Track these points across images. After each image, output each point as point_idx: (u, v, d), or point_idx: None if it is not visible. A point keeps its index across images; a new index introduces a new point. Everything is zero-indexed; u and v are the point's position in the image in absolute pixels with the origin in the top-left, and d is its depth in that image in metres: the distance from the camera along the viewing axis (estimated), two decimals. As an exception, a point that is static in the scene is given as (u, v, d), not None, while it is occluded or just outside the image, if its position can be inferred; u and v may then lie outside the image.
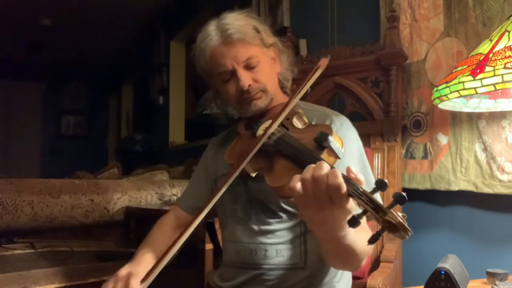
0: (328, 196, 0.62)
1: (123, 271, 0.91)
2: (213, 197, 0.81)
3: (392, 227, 0.58)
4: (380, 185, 0.59)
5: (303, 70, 1.66)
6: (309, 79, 0.87)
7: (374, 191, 0.60)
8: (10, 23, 4.59)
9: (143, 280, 0.85)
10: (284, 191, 0.74)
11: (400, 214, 0.58)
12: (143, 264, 0.95)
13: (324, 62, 0.87)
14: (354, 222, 0.60)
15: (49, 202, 1.87)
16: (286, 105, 0.86)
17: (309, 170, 0.64)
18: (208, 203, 0.80)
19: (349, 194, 0.61)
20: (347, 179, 0.62)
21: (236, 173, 0.82)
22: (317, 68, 0.87)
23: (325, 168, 0.63)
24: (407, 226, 0.57)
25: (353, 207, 0.63)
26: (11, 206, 1.76)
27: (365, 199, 0.60)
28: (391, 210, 0.58)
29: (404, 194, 0.57)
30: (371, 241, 0.59)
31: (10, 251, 1.64)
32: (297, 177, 0.65)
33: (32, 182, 1.91)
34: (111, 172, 3.03)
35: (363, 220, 0.90)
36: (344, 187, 0.61)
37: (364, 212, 0.60)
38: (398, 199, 0.57)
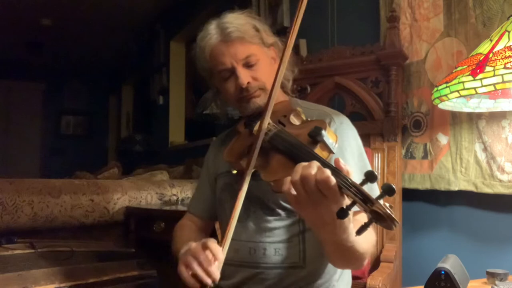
0: (320, 192, 0.63)
1: (192, 244, 0.84)
2: (236, 204, 0.82)
3: (380, 218, 0.59)
4: (370, 177, 0.60)
5: (303, 70, 1.67)
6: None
7: (363, 182, 0.61)
8: (10, 23, 4.59)
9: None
10: (279, 185, 0.75)
11: (388, 205, 0.59)
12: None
13: None
14: (342, 213, 0.61)
15: (49, 202, 1.87)
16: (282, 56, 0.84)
17: (298, 170, 0.66)
18: (233, 210, 0.82)
19: (339, 186, 0.62)
20: (337, 171, 0.64)
21: (249, 174, 0.83)
22: None
23: (313, 166, 0.64)
24: (393, 217, 0.58)
25: (348, 202, 0.64)
26: (11, 206, 1.76)
27: (354, 190, 0.61)
28: (379, 201, 0.59)
29: (393, 185, 0.58)
30: (359, 232, 0.60)
31: (10, 251, 1.64)
32: (288, 179, 0.67)
33: (32, 182, 1.91)
34: (111, 172, 3.03)
35: (365, 219, 0.91)
36: (333, 180, 0.62)
37: (353, 203, 0.61)
38: (387, 190, 0.58)
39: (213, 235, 1.49)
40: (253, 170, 0.86)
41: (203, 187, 1.20)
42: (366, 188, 0.61)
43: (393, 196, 0.65)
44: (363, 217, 0.88)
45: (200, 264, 0.80)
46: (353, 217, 0.72)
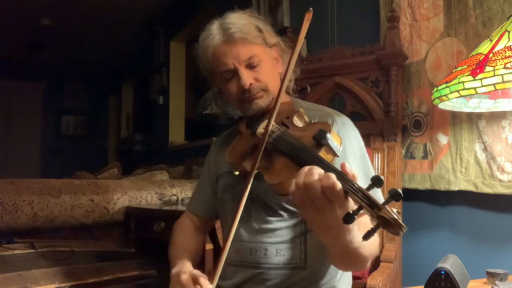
0: (325, 197, 0.63)
1: (184, 275, 0.88)
2: (239, 208, 0.82)
3: (387, 223, 0.58)
4: (376, 182, 0.60)
5: (303, 70, 1.67)
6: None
7: (369, 187, 0.60)
8: (10, 23, 4.59)
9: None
10: (282, 188, 0.75)
11: (395, 210, 0.58)
12: (189, 265, 0.98)
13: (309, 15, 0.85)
14: (349, 218, 0.60)
15: (49, 202, 1.87)
16: (285, 72, 0.85)
17: (301, 176, 0.65)
18: (235, 215, 0.82)
19: (345, 191, 0.62)
20: (342, 176, 0.63)
21: (252, 176, 0.82)
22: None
23: (316, 173, 0.64)
24: (401, 222, 0.58)
25: (354, 206, 0.63)
26: (11, 206, 1.76)
27: (360, 195, 0.60)
28: (386, 206, 0.58)
29: (399, 190, 0.58)
30: (366, 237, 0.60)
31: (10, 251, 1.64)
32: (294, 182, 0.67)
33: (32, 182, 1.91)
34: (111, 172, 3.03)
35: (368, 221, 0.90)
36: (339, 185, 0.61)
37: (360, 208, 0.61)
38: (393, 196, 0.58)
39: (212, 233, 1.50)
40: (256, 171, 0.86)
41: (204, 187, 1.20)
42: (372, 193, 0.61)
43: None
44: (366, 219, 0.88)
45: None
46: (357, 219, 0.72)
